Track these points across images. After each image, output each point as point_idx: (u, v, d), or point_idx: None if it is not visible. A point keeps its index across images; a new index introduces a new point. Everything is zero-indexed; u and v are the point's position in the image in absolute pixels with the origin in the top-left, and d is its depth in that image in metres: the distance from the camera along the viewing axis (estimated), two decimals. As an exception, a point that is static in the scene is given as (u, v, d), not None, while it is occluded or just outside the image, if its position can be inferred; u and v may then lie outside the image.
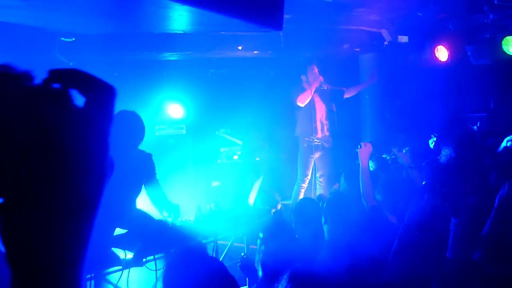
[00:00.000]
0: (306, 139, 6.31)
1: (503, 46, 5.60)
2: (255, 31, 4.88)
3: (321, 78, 6.20)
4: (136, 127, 3.87)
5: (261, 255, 2.88)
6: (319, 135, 6.35)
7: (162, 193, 4.03)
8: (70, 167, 0.53)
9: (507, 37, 5.57)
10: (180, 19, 3.06)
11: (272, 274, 2.67)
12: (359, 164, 3.73)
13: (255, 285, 3.11)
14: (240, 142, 7.58)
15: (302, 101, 6.22)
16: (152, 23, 3.92)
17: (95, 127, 0.57)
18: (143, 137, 3.94)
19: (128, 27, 4.39)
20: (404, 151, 5.41)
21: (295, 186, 6.39)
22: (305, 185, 6.36)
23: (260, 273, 2.85)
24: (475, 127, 7.00)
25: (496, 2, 5.11)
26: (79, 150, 0.54)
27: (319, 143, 6.35)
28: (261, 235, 3.06)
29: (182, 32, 3.92)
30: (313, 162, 6.40)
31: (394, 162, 5.67)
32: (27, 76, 0.54)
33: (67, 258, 0.55)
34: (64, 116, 0.53)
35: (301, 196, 6.33)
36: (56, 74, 0.58)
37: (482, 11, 5.49)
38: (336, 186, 5.41)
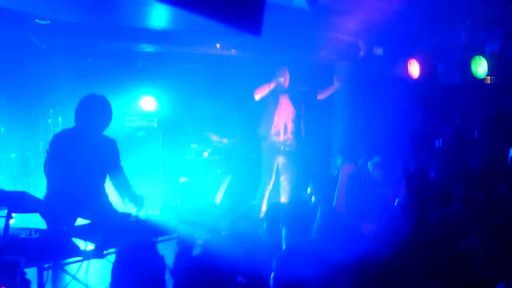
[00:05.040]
0: (268, 140, 6.34)
1: (472, 67, 5.80)
2: (233, 34, 4.89)
3: (282, 80, 6.25)
4: (103, 112, 3.81)
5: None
6: (281, 137, 6.38)
7: (126, 181, 3.97)
8: None
9: (476, 59, 5.77)
10: (160, 16, 3.06)
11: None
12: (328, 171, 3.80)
13: None
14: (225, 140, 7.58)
15: (257, 94, 6.27)
16: (131, 17, 3.88)
17: None
18: (109, 123, 3.89)
19: (107, 18, 4.33)
20: (369, 164, 5.52)
21: (260, 187, 6.41)
22: (269, 186, 6.38)
23: None
24: (437, 142, 7.24)
25: (468, 24, 5.30)
26: None
27: (281, 146, 6.39)
28: (223, 233, 3.08)
29: (161, 29, 3.91)
30: (276, 164, 6.42)
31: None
32: None
33: None
34: None
35: (266, 197, 6.36)
36: None
37: (454, 31, 5.67)
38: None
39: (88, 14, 4.06)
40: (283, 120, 6.37)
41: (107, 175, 3.94)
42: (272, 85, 6.16)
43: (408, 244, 3.23)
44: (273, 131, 6.34)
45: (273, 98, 6.30)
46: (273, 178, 6.42)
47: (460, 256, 2.96)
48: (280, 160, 6.42)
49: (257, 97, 6.25)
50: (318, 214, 3.45)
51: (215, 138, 7.57)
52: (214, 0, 1.58)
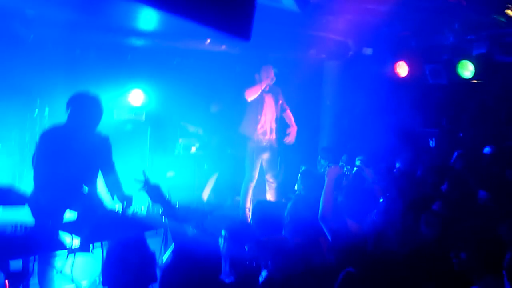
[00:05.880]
0: (255, 139, 6.32)
1: (458, 69, 5.88)
2: (223, 39, 4.86)
3: (272, 79, 6.22)
4: (95, 112, 3.82)
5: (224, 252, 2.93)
6: (267, 136, 6.37)
7: (117, 180, 3.99)
8: None
9: (463, 61, 5.86)
10: (148, 20, 3.06)
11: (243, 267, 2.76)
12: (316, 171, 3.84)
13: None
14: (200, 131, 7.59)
15: (249, 95, 6.19)
16: (120, 20, 3.87)
17: None
18: (99, 121, 3.90)
19: (96, 19, 4.31)
20: (357, 160, 5.58)
21: (243, 184, 6.39)
22: (252, 184, 6.37)
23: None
24: (431, 142, 7.34)
25: (456, 27, 5.37)
26: None
27: (267, 144, 6.41)
28: (223, 233, 3.09)
29: (149, 31, 3.92)
30: (260, 162, 6.44)
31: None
32: None
33: None
34: None
35: (250, 194, 6.36)
36: None
37: (442, 33, 5.75)
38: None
39: (77, 14, 4.04)
40: (268, 119, 6.36)
41: (99, 171, 3.95)
42: (263, 85, 6.15)
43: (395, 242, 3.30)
44: (259, 130, 6.33)
45: (258, 97, 6.27)
46: (256, 176, 6.42)
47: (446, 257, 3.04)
48: (265, 157, 6.42)
49: (250, 98, 6.21)
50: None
51: (191, 128, 7.59)
52: (203, 5, 1.60)
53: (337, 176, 3.86)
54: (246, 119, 6.41)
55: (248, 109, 6.38)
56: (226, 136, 7.57)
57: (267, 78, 6.20)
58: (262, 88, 6.17)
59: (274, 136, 6.41)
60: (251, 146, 6.35)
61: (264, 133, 6.35)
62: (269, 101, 6.36)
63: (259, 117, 6.30)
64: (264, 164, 6.44)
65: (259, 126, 6.31)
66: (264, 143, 6.36)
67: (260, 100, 6.28)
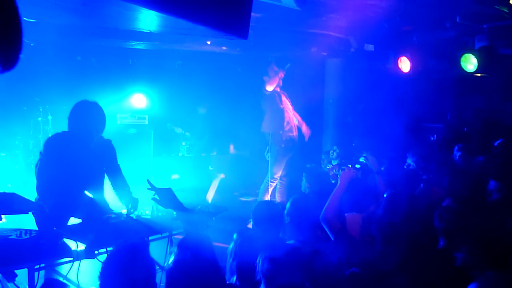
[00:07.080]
0: (284, 138, 6.20)
1: (461, 63, 5.83)
2: (221, 37, 4.86)
3: (282, 73, 6.20)
4: (97, 119, 3.81)
5: (233, 256, 2.87)
6: (294, 133, 6.33)
7: (124, 182, 3.98)
8: None
9: (466, 54, 5.80)
10: (147, 21, 3.06)
11: (248, 275, 2.70)
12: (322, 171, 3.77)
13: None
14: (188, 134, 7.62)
15: (269, 86, 6.13)
16: (118, 22, 3.87)
17: None
18: (103, 128, 3.90)
19: (93, 22, 4.31)
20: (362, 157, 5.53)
21: (264, 183, 6.29)
22: (274, 184, 6.28)
23: (233, 278, 2.84)
24: (432, 138, 7.28)
25: (458, 20, 5.32)
26: None
27: (294, 141, 6.33)
28: (235, 236, 3.04)
29: (148, 31, 3.91)
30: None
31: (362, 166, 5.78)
32: None
33: None
34: None
35: (269, 194, 6.28)
36: None
37: (444, 27, 5.69)
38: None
39: (75, 18, 4.03)
40: (291, 116, 6.32)
41: (105, 174, 3.95)
42: (280, 75, 6.11)
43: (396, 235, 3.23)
44: (286, 127, 6.25)
45: (278, 94, 6.22)
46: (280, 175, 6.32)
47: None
48: (288, 156, 6.35)
49: (270, 88, 6.13)
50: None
51: (178, 130, 7.58)
52: (201, 5, 1.58)
53: (352, 179, 3.72)
54: (270, 116, 6.31)
55: (270, 107, 6.28)
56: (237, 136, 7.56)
57: (276, 73, 6.16)
58: (279, 77, 6.15)
59: (297, 132, 6.36)
60: (281, 147, 6.21)
61: (291, 130, 6.29)
62: (285, 99, 6.33)
63: (283, 114, 6.22)
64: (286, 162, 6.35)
65: (285, 123, 6.23)
66: (293, 141, 6.28)
67: (279, 98, 6.23)
